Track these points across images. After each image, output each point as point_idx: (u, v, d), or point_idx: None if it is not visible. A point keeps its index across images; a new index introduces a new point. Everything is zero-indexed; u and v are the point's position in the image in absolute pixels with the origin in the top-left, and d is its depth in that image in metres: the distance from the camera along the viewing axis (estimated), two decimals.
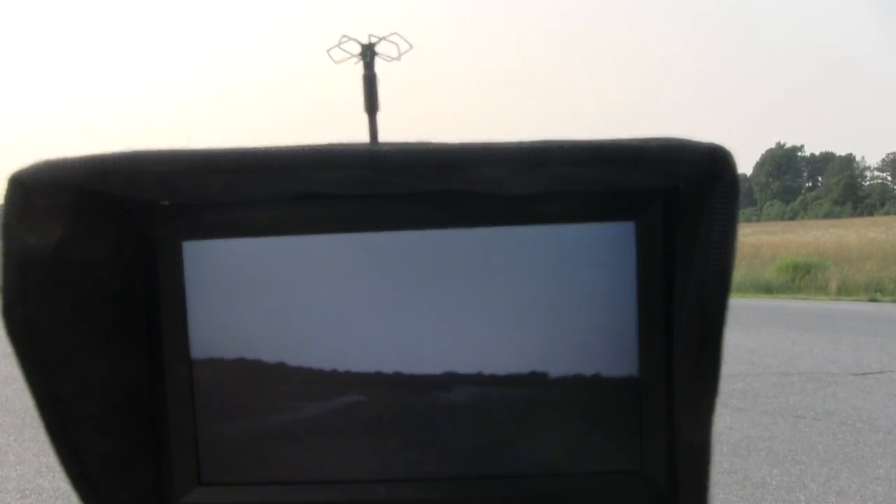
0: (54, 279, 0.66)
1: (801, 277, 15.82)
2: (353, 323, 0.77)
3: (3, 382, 6.05)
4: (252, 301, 0.78)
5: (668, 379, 0.74)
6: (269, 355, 0.78)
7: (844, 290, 14.67)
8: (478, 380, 0.77)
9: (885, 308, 12.00)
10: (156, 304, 0.78)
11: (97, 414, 0.73)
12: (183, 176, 0.63)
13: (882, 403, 5.31)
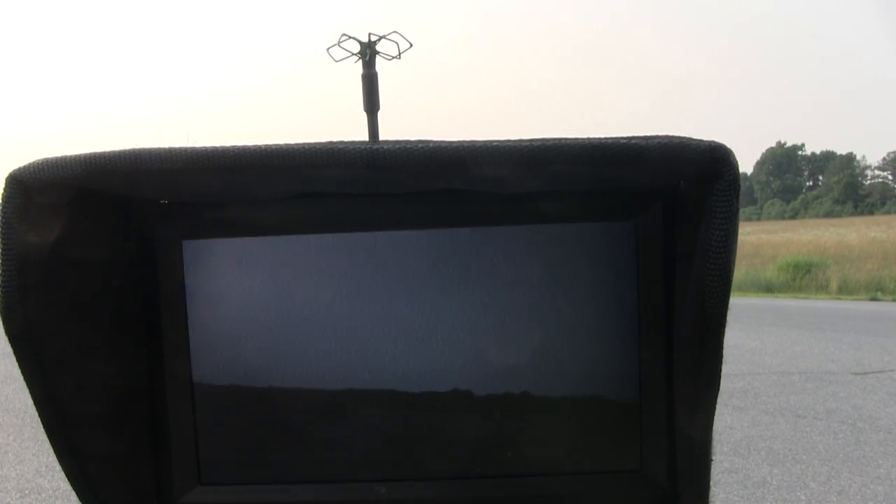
0: (54, 278, 0.66)
1: (801, 276, 15.81)
2: (353, 322, 0.77)
3: (3, 382, 6.05)
4: (252, 300, 0.78)
5: (668, 378, 0.74)
6: (270, 355, 0.78)
7: (845, 290, 14.66)
8: (478, 378, 0.76)
9: (885, 307, 11.99)
10: (156, 303, 0.78)
11: (97, 413, 0.73)
12: (182, 174, 0.63)
13: (883, 402, 5.31)
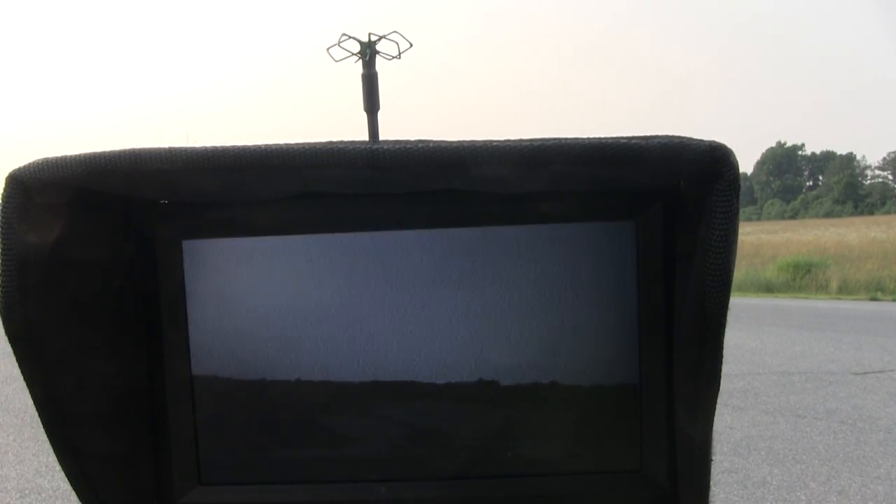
0: (54, 278, 0.66)
1: (801, 276, 15.81)
2: (352, 322, 0.77)
3: (3, 382, 6.05)
4: (252, 300, 0.78)
5: (668, 378, 0.74)
6: (270, 355, 0.78)
7: (845, 290, 14.67)
8: (478, 379, 0.76)
9: (885, 307, 11.99)
10: (156, 303, 0.78)
11: (97, 413, 0.73)
12: (182, 174, 0.63)
13: (883, 402, 5.31)
